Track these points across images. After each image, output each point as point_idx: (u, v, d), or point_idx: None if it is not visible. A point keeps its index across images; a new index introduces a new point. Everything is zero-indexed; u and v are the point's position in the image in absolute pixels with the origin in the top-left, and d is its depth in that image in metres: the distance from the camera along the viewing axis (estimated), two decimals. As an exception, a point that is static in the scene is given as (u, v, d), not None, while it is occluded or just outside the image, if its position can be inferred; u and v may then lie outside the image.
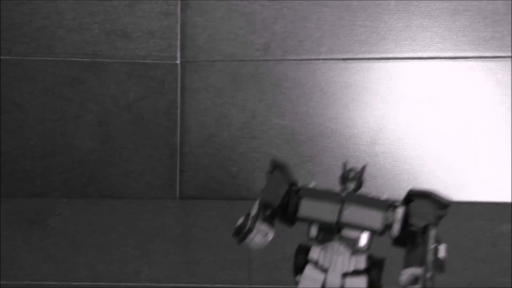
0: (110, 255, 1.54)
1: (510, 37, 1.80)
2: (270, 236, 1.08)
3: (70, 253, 1.54)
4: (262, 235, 1.08)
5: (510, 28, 1.80)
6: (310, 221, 1.07)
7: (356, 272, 1.05)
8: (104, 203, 1.80)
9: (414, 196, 1.07)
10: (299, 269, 1.08)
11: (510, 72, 1.81)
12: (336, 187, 1.08)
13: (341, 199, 1.06)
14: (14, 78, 1.81)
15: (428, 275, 1.00)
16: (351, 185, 1.08)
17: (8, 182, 1.82)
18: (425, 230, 1.04)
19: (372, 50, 1.81)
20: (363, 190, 1.08)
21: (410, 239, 1.05)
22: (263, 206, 1.09)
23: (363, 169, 1.09)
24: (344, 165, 1.10)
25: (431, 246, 1.03)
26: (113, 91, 1.82)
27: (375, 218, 1.05)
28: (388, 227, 1.06)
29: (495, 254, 1.55)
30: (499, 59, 1.81)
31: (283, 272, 1.35)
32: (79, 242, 1.59)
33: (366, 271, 1.05)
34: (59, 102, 1.82)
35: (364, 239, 1.06)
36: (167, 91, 1.82)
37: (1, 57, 1.80)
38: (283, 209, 1.09)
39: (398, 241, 1.06)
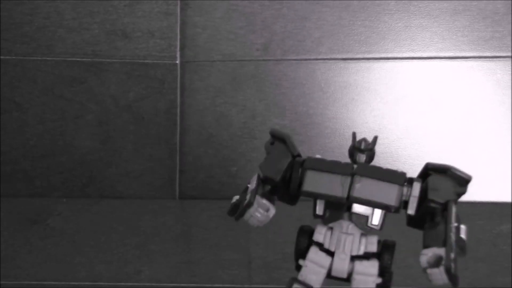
0: (110, 255, 1.54)
1: (509, 37, 1.80)
2: (272, 212, 0.97)
3: (70, 253, 1.54)
4: (263, 210, 0.97)
5: (510, 28, 1.80)
6: (316, 197, 0.96)
7: (366, 255, 0.94)
8: (104, 203, 1.80)
9: (432, 171, 0.97)
10: (302, 253, 0.96)
11: (510, 72, 1.81)
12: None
13: (351, 171, 0.95)
14: (14, 78, 1.81)
15: (452, 255, 0.91)
16: (362, 157, 0.98)
17: (8, 182, 1.82)
18: (445, 207, 0.94)
19: (371, 50, 1.81)
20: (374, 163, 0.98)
21: (428, 217, 0.95)
22: (263, 181, 0.99)
23: (375, 140, 0.99)
24: (354, 135, 1.00)
25: (454, 224, 0.93)
26: (113, 91, 1.82)
27: (391, 193, 0.93)
28: (404, 203, 0.95)
29: (495, 254, 1.55)
30: (498, 59, 1.81)
31: (283, 272, 1.35)
32: (79, 242, 1.59)
33: (377, 255, 0.94)
34: (59, 102, 1.82)
35: (377, 216, 0.95)
36: (167, 91, 1.82)
37: (1, 57, 1.80)
38: (285, 184, 0.98)
39: (414, 220, 0.96)
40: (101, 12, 1.80)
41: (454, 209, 0.94)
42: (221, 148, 1.83)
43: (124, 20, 1.80)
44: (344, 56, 1.82)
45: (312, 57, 1.82)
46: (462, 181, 0.98)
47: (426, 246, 0.93)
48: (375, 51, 1.82)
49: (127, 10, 1.80)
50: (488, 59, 1.81)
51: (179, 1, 1.80)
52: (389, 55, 1.82)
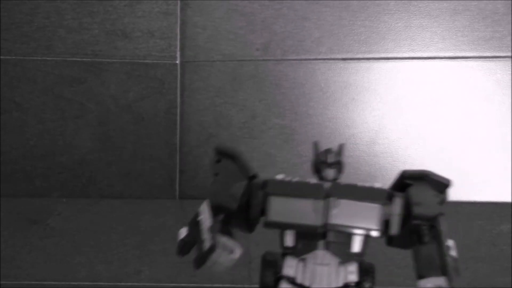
0: (110, 255, 1.54)
1: (509, 37, 1.80)
2: (238, 253, 0.81)
3: (70, 253, 1.54)
4: (227, 252, 0.80)
5: (510, 28, 1.80)
6: (285, 228, 0.81)
7: (346, 286, 0.81)
8: (104, 203, 1.80)
9: (410, 179, 0.85)
10: None
11: (510, 72, 1.81)
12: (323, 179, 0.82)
13: (324, 193, 0.81)
14: (14, 78, 1.81)
15: (453, 284, 0.79)
16: (330, 172, 0.83)
17: (8, 182, 1.82)
18: (432, 223, 0.82)
19: (371, 50, 1.81)
20: (343, 178, 0.86)
21: (414, 236, 0.82)
22: (216, 211, 0.82)
23: (341, 148, 0.86)
24: (316, 146, 0.85)
25: (447, 244, 0.81)
26: (113, 91, 1.82)
27: (373, 215, 0.81)
28: (385, 223, 0.82)
29: (495, 254, 1.55)
30: (498, 59, 1.81)
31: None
32: (79, 242, 1.59)
33: (358, 284, 0.81)
34: (59, 102, 1.82)
35: (358, 242, 0.82)
36: (167, 91, 1.82)
37: (1, 57, 1.80)
38: (242, 212, 0.82)
39: (396, 240, 0.83)
40: (101, 12, 1.80)
41: (445, 225, 0.82)
42: (221, 148, 1.83)
43: (124, 20, 1.80)
44: (344, 56, 1.82)
45: (312, 57, 1.82)
46: (441, 186, 0.85)
47: (420, 274, 0.80)
48: (375, 51, 1.81)
49: (127, 10, 1.80)
50: (488, 59, 1.81)
51: (179, 1, 1.80)
52: (389, 55, 1.82)
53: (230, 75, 1.82)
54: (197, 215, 0.84)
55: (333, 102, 1.82)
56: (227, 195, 0.82)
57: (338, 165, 0.84)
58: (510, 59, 1.81)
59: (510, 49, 1.80)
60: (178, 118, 1.82)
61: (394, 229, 0.82)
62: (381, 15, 1.81)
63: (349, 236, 0.81)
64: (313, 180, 0.84)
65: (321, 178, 0.83)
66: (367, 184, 0.83)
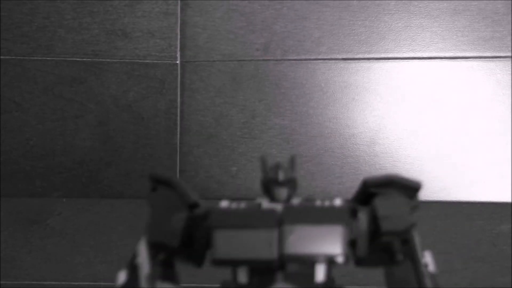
0: (110, 255, 1.53)
1: (509, 37, 1.80)
2: None
3: (70, 253, 1.54)
4: None
5: (510, 28, 1.80)
6: (235, 265, 0.71)
7: None
8: (104, 203, 1.80)
9: (374, 187, 0.73)
10: None
11: (510, 72, 1.81)
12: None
13: (276, 219, 0.69)
14: (14, 78, 1.81)
15: None
16: (283, 192, 0.70)
17: (8, 182, 1.82)
18: (403, 236, 0.70)
19: (372, 50, 1.81)
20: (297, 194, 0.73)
21: (384, 254, 0.71)
22: (155, 249, 0.72)
23: (293, 161, 0.73)
24: (263, 161, 0.73)
25: (423, 260, 0.71)
26: (113, 91, 1.82)
27: (335, 238, 0.68)
28: (351, 243, 0.71)
29: (495, 253, 1.55)
30: (498, 59, 1.81)
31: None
32: (79, 242, 1.59)
33: None
34: (59, 102, 1.82)
35: (321, 271, 0.70)
36: (167, 91, 1.82)
37: (1, 57, 1.80)
38: (186, 246, 0.71)
39: (364, 260, 0.72)
40: (101, 12, 1.80)
41: (418, 238, 0.70)
42: (221, 148, 1.83)
43: (124, 20, 1.80)
44: (344, 56, 1.82)
45: (312, 57, 1.82)
46: (411, 191, 0.73)
47: None
48: (375, 51, 1.81)
49: (127, 10, 1.80)
50: (488, 59, 1.81)
51: (179, 1, 1.80)
52: (389, 55, 1.82)
53: (230, 75, 1.82)
54: (134, 255, 0.73)
55: (333, 102, 1.82)
56: (166, 230, 0.71)
57: (291, 183, 0.71)
58: (510, 59, 1.81)
59: (510, 49, 1.80)
60: (178, 118, 1.82)
61: (362, 250, 0.71)
62: (381, 15, 1.81)
63: (311, 265, 0.70)
64: (264, 201, 0.71)
65: (272, 198, 0.71)
66: (327, 202, 0.71)
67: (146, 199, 0.74)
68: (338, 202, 0.71)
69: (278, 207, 0.70)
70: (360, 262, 0.72)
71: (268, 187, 0.71)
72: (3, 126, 1.82)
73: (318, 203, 0.70)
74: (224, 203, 0.71)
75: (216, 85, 1.82)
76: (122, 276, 0.74)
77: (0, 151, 1.82)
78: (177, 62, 1.81)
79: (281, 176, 0.70)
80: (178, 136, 1.83)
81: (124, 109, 1.82)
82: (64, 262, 1.50)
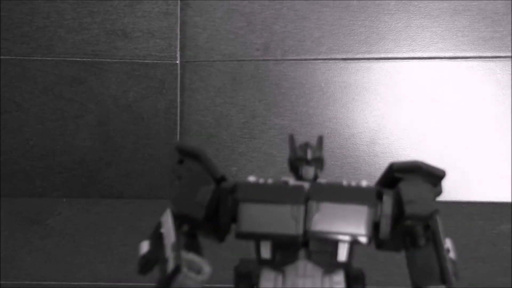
0: (110, 255, 1.53)
1: (509, 37, 1.80)
2: (206, 272, 0.71)
3: (70, 253, 1.54)
4: (195, 273, 0.69)
5: (510, 28, 1.80)
6: (259, 238, 0.70)
7: None
8: (104, 203, 1.80)
9: (400, 172, 0.74)
10: None
11: (510, 72, 1.81)
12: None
13: (303, 196, 0.69)
14: (14, 78, 1.81)
15: None
16: (310, 170, 0.71)
17: (8, 182, 1.82)
18: (426, 222, 0.72)
19: (371, 50, 1.81)
20: (324, 175, 0.73)
21: (407, 238, 0.72)
22: (180, 221, 0.73)
23: (320, 141, 0.73)
24: (292, 139, 0.73)
25: (446, 245, 0.72)
26: (113, 91, 1.82)
27: (360, 219, 0.68)
28: (375, 226, 0.71)
29: (495, 253, 1.55)
30: (498, 59, 1.81)
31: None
32: (79, 242, 1.59)
33: None
34: (59, 102, 1.82)
35: (344, 250, 0.70)
36: (167, 91, 1.82)
37: (1, 57, 1.80)
38: (211, 220, 0.72)
39: (386, 243, 0.73)
40: (101, 12, 1.80)
41: (441, 224, 0.72)
42: (221, 148, 1.83)
43: (124, 20, 1.80)
44: (344, 56, 1.82)
45: (312, 57, 1.82)
46: (435, 179, 0.76)
47: (417, 283, 0.71)
48: (375, 51, 1.81)
49: (127, 10, 1.80)
50: (488, 59, 1.81)
51: (179, 1, 1.80)
52: (389, 55, 1.82)
53: (230, 75, 1.82)
54: (159, 225, 0.74)
55: (333, 102, 1.82)
56: (192, 202, 0.72)
57: (318, 162, 0.72)
58: (510, 59, 1.81)
59: (510, 49, 1.80)
60: (178, 118, 1.82)
61: (385, 232, 0.71)
62: (381, 15, 1.81)
63: (334, 244, 0.70)
64: (291, 179, 0.72)
65: (299, 177, 0.72)
66: (353, 183, 0.72)
67: (171, 171, 0.73)
68: (364, 183, 0.72)
69: (305, 185, 0.70)
70: (381, 245, 0.73)
71: (296, 166, 0.71)
72: (3, 126, 1.82)
73: (344, 183, 0.71)
74: (251, 178, 0.72)
75: (216, 85, 1.82)
76: (144, 246, 0.74)
77: (0, 151, 1.82)
78: (177, 62, 1.81)
79: (309, 154, 0.71)
80: (178, 136, 1.83)
81: (124, 109, 1.82)
82: (64, 262, 1.50)
